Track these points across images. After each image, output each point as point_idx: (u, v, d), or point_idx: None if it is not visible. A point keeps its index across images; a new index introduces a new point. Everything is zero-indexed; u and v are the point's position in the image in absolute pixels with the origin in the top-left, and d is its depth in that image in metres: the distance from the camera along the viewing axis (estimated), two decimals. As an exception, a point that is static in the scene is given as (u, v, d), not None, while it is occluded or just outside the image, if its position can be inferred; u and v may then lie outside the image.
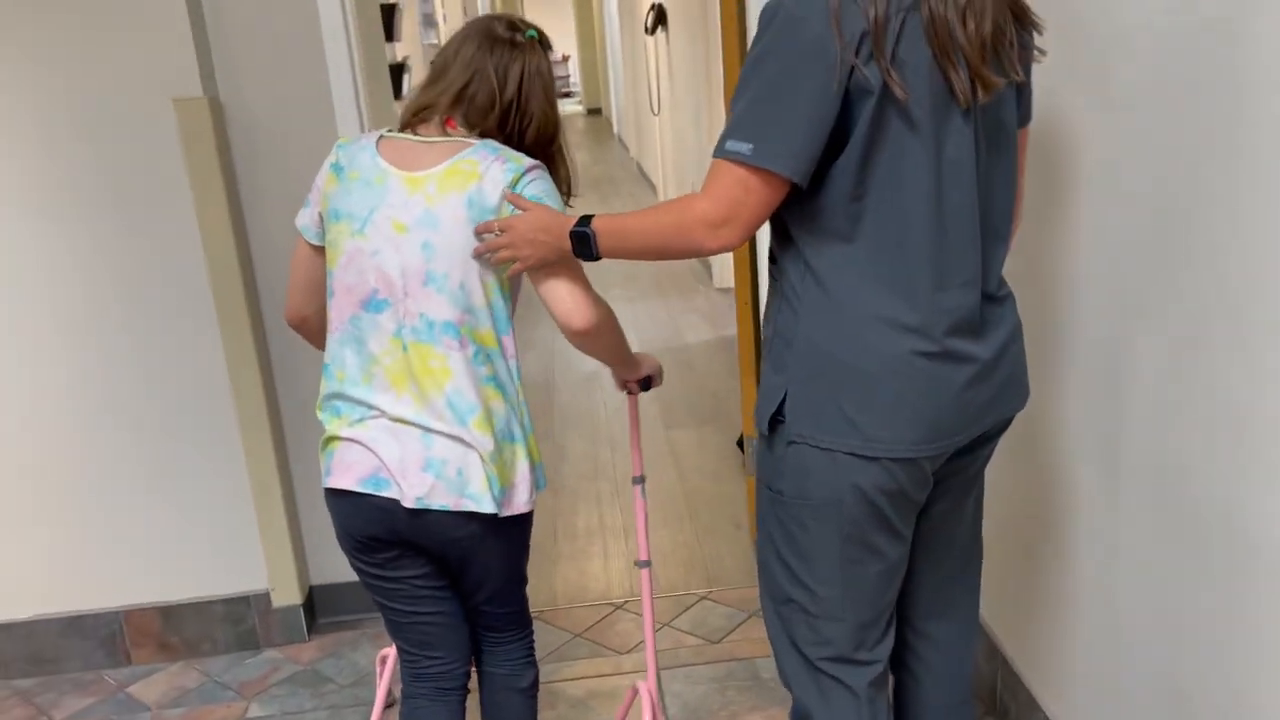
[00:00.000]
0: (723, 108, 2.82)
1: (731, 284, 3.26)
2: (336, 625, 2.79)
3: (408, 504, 1.56)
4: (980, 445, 1.53)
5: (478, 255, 1.54)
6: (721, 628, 2.61)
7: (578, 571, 2.99)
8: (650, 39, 8.42)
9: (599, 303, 1.60)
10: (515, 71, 1.61)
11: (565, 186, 1.68)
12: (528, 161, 1.58)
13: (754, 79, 1.33)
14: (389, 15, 4.46)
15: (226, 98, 2.46)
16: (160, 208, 2.44)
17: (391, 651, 2.25)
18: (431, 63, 1.66)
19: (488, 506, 1.57)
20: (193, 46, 2.35)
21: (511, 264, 1.55)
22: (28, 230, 2.43)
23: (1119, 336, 1.61)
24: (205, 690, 2.57)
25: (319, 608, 2.80)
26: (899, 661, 1.68)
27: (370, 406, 1.59)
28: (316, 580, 2.78)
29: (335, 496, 1.62)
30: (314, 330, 1.76)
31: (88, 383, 2.53)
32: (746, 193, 1.33)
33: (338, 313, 1.61)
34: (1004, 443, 2.08)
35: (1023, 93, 1.47)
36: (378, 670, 2.36)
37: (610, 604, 2.79)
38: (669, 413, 4.16)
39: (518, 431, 1.63)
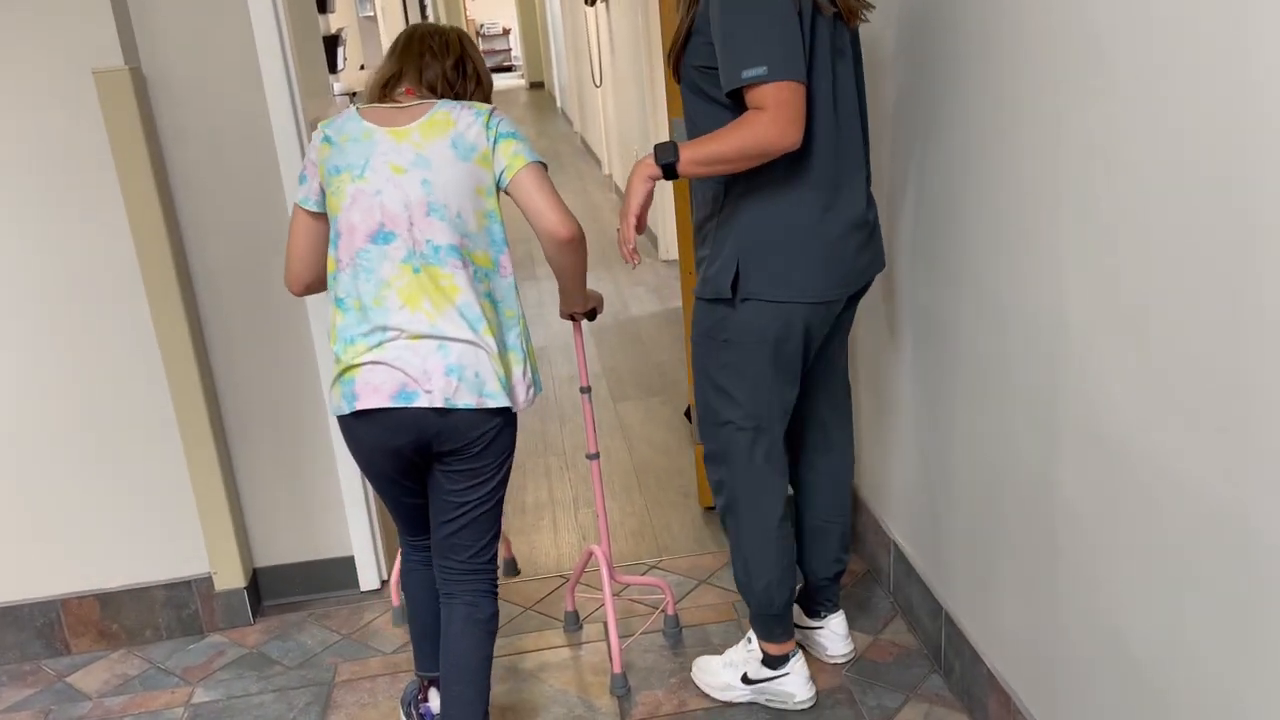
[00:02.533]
0: (664, 78, 2.79)
1: (676, 255, 3.25)
2: (281, 607, 2.75)
3: (437, 404, 1.79)
4: (857, 298, 2.07)
5: (630, 236, 1.95)
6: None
7: (528, 545, 2.97)
8: (590, 10, 8.34)
9: (575, 219, 1.88)
10: (455, 44, 1.94)
11: None
12: (487, 106, 1.89)
13: (741, 16, 1.73)
14: (321, -14, 4.36)
15: (149, 69, 2.38)
16: (84, 185, 2.36)
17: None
18: (385, 56, 1.98)
19: (503, 401, 1.85)
20: (112, 15, 2.27)
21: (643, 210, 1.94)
22: (-56, 210, 2.34)
23: (1055, 289, 1.63)
24: (148, 677, 2.52)
25: (264, 590, 2.75)
26: (796, 487, 2.26)
27: (387, 328, 1.81)
28: (261, 562, 2.74)
29: (363, 417, 1.83)
30: (316, 291, 2.00)
31: (16, 368, 2.45)
32: (791, 96, 1.74)
33: (345, 251, 1.84)
34: (957, 399, 2.10)
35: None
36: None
37: (561, 576, 2.78)
38: (617, 386, 4.15)
39: (513, 340, 1.91)
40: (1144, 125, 1.35)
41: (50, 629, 2.61)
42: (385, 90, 1.92)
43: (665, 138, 4.19)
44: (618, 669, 2.29)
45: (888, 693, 2.21)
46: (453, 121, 1.83)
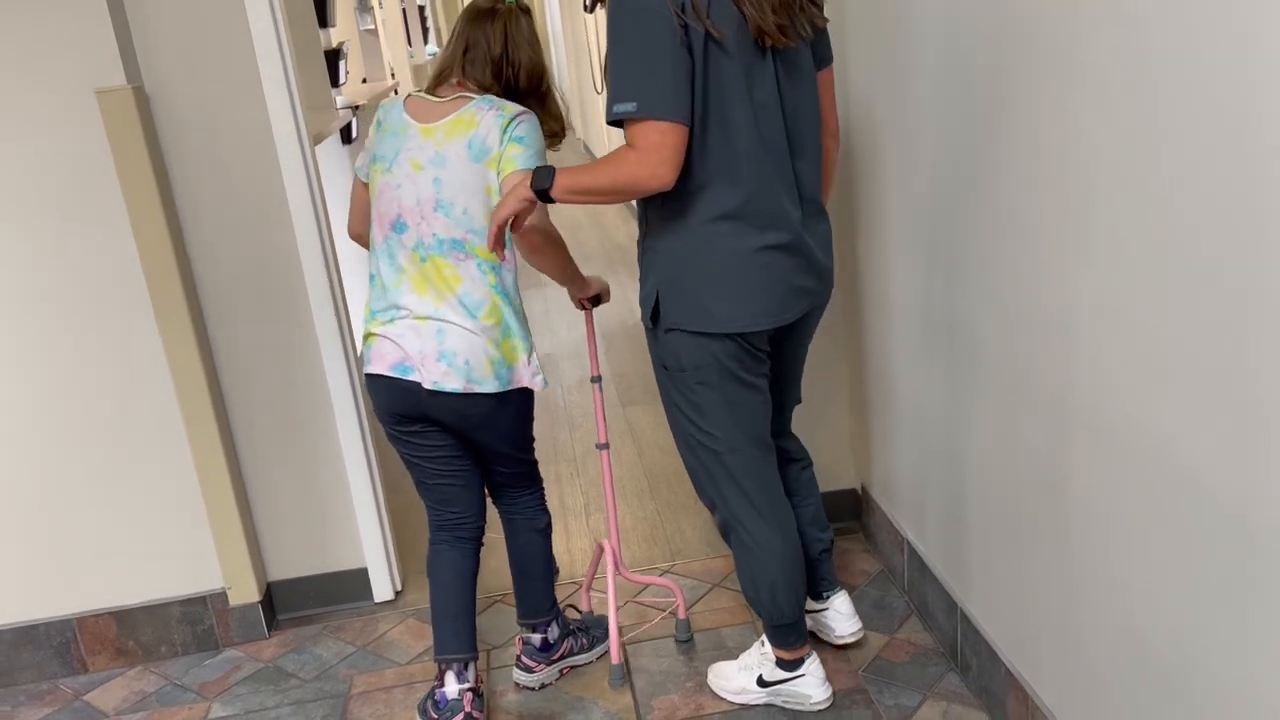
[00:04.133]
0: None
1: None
2: (297, 621, 2.75)
3: (427, 386, 1.98)
4: (808, 320, 2.00)
5: (491, 245, 1.94)
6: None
7: (540, 553, 2.97)
8: (589, 16, 8.34)
9: (546, 219, 2.02)
10: (499, 31, 2.03)
11: (556, 121, 2.10)
12: (517, 109, 2.00)
13: (620, 50, 1.68)
14: (321, 0, 4.38)
15: (152, 87, 2.39)
16: (90, 203, 2.38)
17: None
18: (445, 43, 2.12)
19: (491, 387, 2.01)
20: (113, 34, 2.28)
21: (509, 224, 1.92)
22: (-49, 233, 2.35)
23: (1065, 285, 1.62)
24: (165, 693, 2.53)
25: (278, 604, 2.76)
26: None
27: (400, 308, 2.02)
28: (274, 576, 2.74)
29: (373, 379, 2.06)
30: (366, 242, 2.18)
31: (26, 387, 2.46)
32: (661, 136, 1.67)
33: (377, 235, 2.05)
34: (969, 397, 2.10)
35: (818, 40, 1.88)
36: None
37: (574, 582, 2.78)
38: (625, 390, 4.14)
39: (519, 327, 2.05)
40: (1155, 126, 1.35)
41: (67, 647, 2.61)
42: (439, 82, 2.06)
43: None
44: (616, 659, 2.29)
45: (905, 692, 2.21)
46: (476, 123, 1.96)
